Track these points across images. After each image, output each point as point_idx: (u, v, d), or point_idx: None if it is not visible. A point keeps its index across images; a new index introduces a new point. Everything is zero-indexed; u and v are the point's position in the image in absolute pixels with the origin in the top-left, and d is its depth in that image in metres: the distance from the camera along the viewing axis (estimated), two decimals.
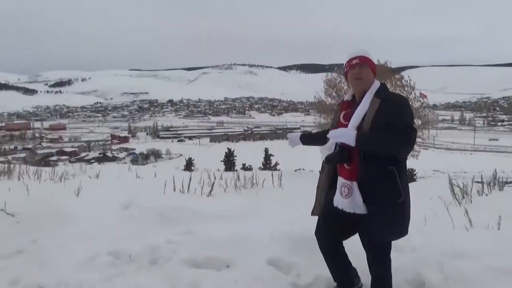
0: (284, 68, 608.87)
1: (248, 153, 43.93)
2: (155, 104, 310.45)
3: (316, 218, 2.69)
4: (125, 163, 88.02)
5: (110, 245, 3.36)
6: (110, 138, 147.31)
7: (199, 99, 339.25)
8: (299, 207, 4.47)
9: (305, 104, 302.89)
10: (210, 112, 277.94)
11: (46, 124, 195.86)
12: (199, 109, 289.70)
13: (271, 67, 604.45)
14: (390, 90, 2.49)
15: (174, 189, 5.44)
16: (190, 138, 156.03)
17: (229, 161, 31.97)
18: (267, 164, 32.96)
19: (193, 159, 32.60)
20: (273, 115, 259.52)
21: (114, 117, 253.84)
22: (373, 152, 2.27)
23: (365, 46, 2.56)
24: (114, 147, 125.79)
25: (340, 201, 2.42)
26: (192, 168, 28.34)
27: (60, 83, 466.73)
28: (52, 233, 3.65)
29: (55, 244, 3.39)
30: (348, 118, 2.44)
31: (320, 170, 2.64)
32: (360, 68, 2.41)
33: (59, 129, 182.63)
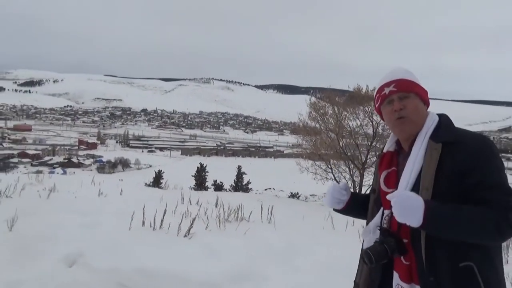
0: (261, 87, 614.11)
1: (220, 169, 43.07)
2: (128, 112, 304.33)
3: None
4: (91, 170, 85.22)
5: None
6: (77, 143, 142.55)
7: (173, 110, 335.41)
8: (310, 265, 3.65)
9: (279, 124, 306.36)
10: (184, 124, 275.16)
11: (11, 124, 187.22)
12: (173, 120, 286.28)
13: (248, 84, 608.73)
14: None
15: (143, 223, 4.15)
16: (161, 149, 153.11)
17: (200, 177, 31.06)
18: (239, 182, 32.30)
19: (163, 172, 31.50)
20: (247, 132, 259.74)
21: (84, 122, 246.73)
22: (446, 236, 1.33)
23: (405, 66, 1.62)
24: (80, 152, 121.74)
25: None
26: (161, 181, 27.28)
27: (31, 83, 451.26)
28: None
29: None
30: (392, 182, 1.53)
31: (361, 253, 1.62)
32: (402, 99, 1.51)
33: (24, 129, 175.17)
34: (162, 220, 4.16)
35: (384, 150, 1.65)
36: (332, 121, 16.38)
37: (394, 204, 1.33)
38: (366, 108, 15.66)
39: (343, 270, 3.87)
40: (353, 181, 16.06)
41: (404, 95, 1.50)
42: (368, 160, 15.98)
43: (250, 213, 5.27)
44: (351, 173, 16.10)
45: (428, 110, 1.56)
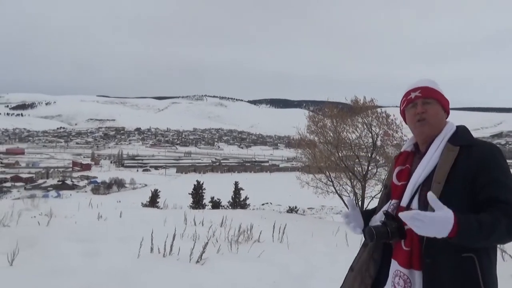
0: (254, 102, 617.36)
1: (216, 185, 42.79)
2: (121, 131, 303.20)
3: None
4: (85, 191, 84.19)
5: None
6: (71, 165, 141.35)
7: (167, 128, 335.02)
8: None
9: (273, 138, 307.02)
10: (178, 142, 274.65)
11: (3, 148, 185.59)
12: (167, 138, 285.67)
13: (241, 100, 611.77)
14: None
15: (152, 249, 3.89)
16: (156, 168, 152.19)
17: (197, 194, 30.70)
18: (237, 198, 31.99)
19: (159, 191, 31.12)
20: (242, 148, 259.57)
21: (77, 143, 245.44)
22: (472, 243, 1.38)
23: (431, 77, 1.80)
24: (75, 174, 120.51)
25: None
26: (158, 200, 26.92)
27: (23, 106, 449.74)
28: None
29: None
30: (405, 176, 1.66)
31: (361, 243, 1.75)
32: (424, 104, 1.66)
33: (17, 153, 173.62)
34: (172, 245, 3.90)
35: (402, 150, 1.80)
36: (331, 134, 16.29)
37: (403, 216, 1.34)
38: (365, 119, 15.61)
39: None
40: (355, 194, 15.89)
41: (427, 101, 1.67)
42: (369, 172, 15.83)
43: (260, 233, 5.05)
44: (353, 185, 15.93)
45: (448, 120, 1.71)
